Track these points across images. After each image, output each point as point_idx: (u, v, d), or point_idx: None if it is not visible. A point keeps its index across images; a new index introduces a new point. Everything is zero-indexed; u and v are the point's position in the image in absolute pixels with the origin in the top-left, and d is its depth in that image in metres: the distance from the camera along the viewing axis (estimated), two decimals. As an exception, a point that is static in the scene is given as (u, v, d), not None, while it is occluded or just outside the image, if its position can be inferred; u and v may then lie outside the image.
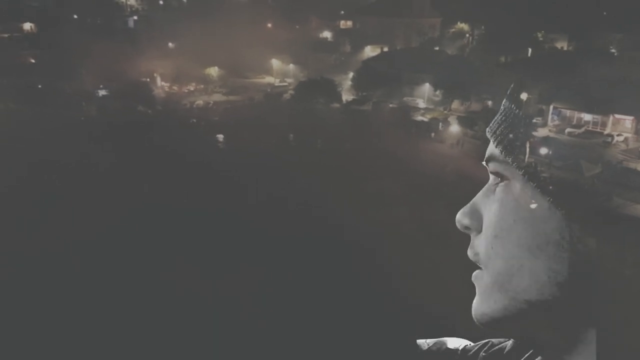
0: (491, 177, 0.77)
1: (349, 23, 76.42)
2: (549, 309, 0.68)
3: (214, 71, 56.70)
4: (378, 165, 34.87)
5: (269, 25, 69.61)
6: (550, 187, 0.68)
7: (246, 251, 23.43)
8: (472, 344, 0.98)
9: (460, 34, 68.10)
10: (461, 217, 0.79)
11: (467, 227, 0.78)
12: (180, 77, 55.92)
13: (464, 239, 0.82)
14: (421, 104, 51.64)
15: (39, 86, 48.72)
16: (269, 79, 61.29)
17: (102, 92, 50.10)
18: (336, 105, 51.13)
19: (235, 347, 16.47)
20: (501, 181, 0.74)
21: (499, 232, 0.72)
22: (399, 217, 28.43)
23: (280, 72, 61.01)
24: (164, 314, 18.37)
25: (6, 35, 60.43)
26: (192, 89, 56.71)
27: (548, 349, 0.74)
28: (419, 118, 46.72)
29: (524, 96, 0.72)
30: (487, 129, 0.77)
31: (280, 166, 34.19)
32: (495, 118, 0.76)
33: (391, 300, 18.52)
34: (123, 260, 22.95)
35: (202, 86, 56.63)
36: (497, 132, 0.74)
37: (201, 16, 62.86)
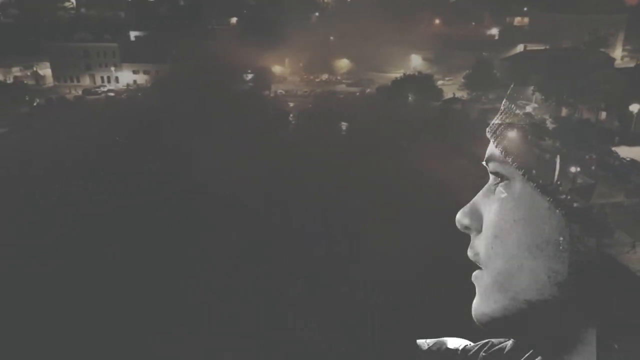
0: (491, 177, 0.77)
1: (525, 20, 69.97)
2: (549, 309, 0.69)
3: (343, 63, 60.41)
4: (451, 166, 33.92)
5: (422, 22, 69.47)
6: (550, 187, 0.68)
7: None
8: (472, 344, 0.98)
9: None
10: (461, 217, 0.79)
11: (467, 227, 0.78)
12: (314, 66, 61.45)
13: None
14: (528, 109, 45.84)
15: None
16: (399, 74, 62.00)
17: (249, 76, 58.37)
18: (433, 102, 49.51)
19: (236, 347, 16.20)
20: (501, 181, 0.74)
21: (498, 232, 0.72)
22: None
23: (408, 67, 61.01)
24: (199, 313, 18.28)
25: (217, 27, 75.55)
26: (324, 78, 61.70)
27: (548, 349, 0.73)
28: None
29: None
30: (487, 129, 0.76)
31: (332, 161, 33.83)
32: (495, 118, 0.76)
33: (391, 300, 18.86)
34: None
35: (327, 76, 61.07)
36: (497, 132, 0.74)
37: (360, 14, 67.17)
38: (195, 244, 23.79)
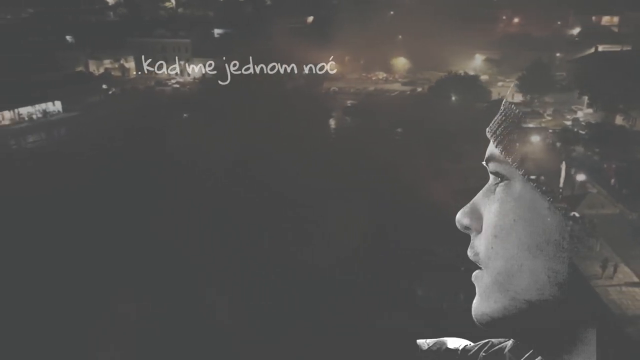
0: (491, 177, 0.77)
1: (615, 19, 63.80)
2: (549, 309, 0.69)
3: (401, 62, 60.22)
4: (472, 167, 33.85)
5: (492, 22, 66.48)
6: (550, 187, 0.68)
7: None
8: (472, 344, 0.98)
9: None
10: (461, 217, 0.79)
11: (467, 227, 0.79)
12: (372, 64, 61.95)
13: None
14: (579, 114, 42.74)
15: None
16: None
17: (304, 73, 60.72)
18: (479, 103, 47.84)
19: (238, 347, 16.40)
20: (501, 181, 0.74)
21: (498, 232, 0.72)
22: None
23: (469, 66, 59.05)
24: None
25: (293, 26, 78.88)
26: (381, 77, 62.02)
27: (548, 349, 0.74)
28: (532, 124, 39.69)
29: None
30: (487, 129, 0.77)
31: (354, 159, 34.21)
32: (495, 118, 0.76)
33: (391, 300, 19.53)
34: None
35: (384, 74, 61.17)
36: (497, 132, 0.74)
37: (434, 12, 66.30)
38: (258, 239, 24.42)
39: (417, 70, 60.75)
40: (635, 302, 19.67)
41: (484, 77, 56.87)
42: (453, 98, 47.60)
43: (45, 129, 46.25)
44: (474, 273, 0.78)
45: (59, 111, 48.90)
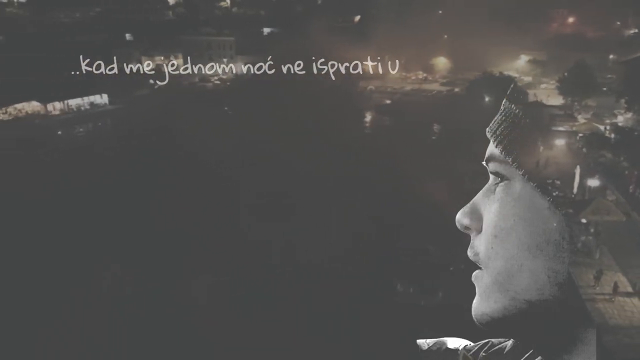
0: (491, 177, 0.78)
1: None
2: (549, 309, 0.69)
3: (441, 62, 59.35)
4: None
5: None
6: (550, 187, 0.69)
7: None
8: (472, 344, 0.98)
9: None
10: (461, 217, 0.79)
11: (467, 227, 0.79)
12: (413, 64, 61.42)
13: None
14: (620, 118, 40.53)
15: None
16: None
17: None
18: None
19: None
20: (501, 181, 0.75)
21: (498, 232, 0.72)
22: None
23: (512, 67, 57.25)
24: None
25: (339, 25, 79.64)
26: (420, 76, 61.39)
27: (548, 349, 0.73)
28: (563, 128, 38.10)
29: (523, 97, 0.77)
30: (487, 129, 0.77)
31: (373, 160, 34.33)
32: (496, 118, 0.76)
33: (391, 300, 19.67)
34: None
35: (423, 74, 60.44)
36: (497, 132, 0.74)
37: (484, 12, 64.89)
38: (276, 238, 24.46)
39: (458, 71, 59.63)
40: (622, 312, 18.77)
41: (527, 79, 55.01)
42: (486, 99, 46.41)
43: (92, 120, 49.44)
44: (474, 273, 0.78)
45: (105, 103, 52.08)
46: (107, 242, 23.80)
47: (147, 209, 27.56)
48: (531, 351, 0.80)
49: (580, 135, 35.81)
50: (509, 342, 0.88)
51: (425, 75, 61.31)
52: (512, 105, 0.75)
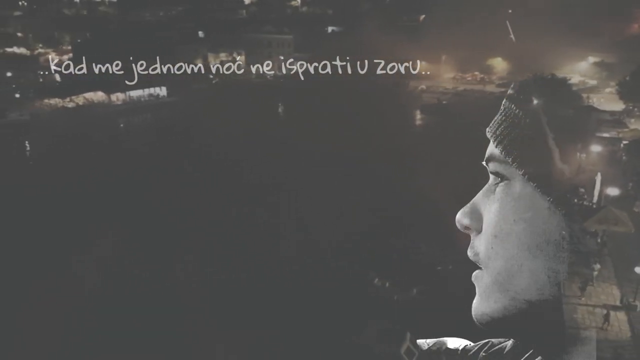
0: (491, 177, 0.77)
1: None
2: (549, 309, 0.69)
3: (498, 62, 57.25)
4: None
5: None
6: (550, 187, 0.68)
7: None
8: (472, 344, 0.97)
9: None
10: (461, 217, 0.79)
11: (467, 227, 0.78)
12: (470, 64, 59.72)
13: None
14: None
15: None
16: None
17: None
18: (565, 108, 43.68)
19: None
20: (501, 181, 0.74)
21: (498, 232, 0.72)
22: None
23: (578, 70, 53.84)
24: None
25: (404, 24, 78.85)
26: (477, 77, 59.56)
27: (548, 349, 0.73)
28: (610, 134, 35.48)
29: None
30: (487, 129, 0.77)
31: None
32: (496, 118, 0.77)
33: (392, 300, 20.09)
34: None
35: (479, 75, 58.53)
36: (497, 132, 0.74)
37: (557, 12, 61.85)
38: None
39: (517, 72, 56.93)
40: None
41: (591, 82, 51.58)
42: (534, 102, 44.00)
43: (151, 110, 53.06)
44: (474, 273, 0.78)
45: (163, 95, 55.59)
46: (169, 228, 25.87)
47: (194, 198, 29.75)
48: (531, 351, 0.79)
49: (625, 142, 33.24)
50: (509, 342, 0.87)
51: (482, 76, 59.24)
52: (512, 105, 0.75)
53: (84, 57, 48.62)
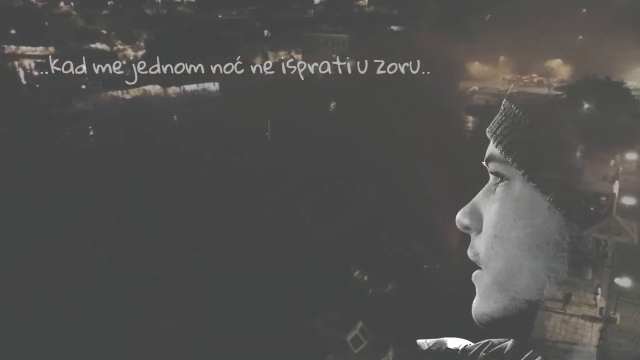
0: (491, 177, 0.79)
1: None
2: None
3: (557, 64, 54.26)
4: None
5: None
6: (550, 187, 0.69)
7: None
8: (472, 344, 0.98)
9: None
10: (461, 217, 0.81)
11: (467, 227, 0.80)
12: (528, 65, 57.13)
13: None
14: None
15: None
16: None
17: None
18: (622, 115, 40.61)
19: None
20: (501, 181, 0.76)
21: (499, 232, 0.74)
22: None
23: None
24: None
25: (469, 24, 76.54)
26: (534, 79, 56.91)
27: (548, 349, 0.75)
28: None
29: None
30: (487, 129, 0.79)
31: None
32: (496, 118, 0.79)
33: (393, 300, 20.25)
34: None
35: (537, 77, 55.76)
36: (497, 132, 0.76)
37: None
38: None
39: (577, 75, 53.49)
40: (574, 335, 16.58)
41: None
42: (585, 106, 41.33)
43: (201, 104, 55.70)
44: (474, 273, 0.80)
45: (216, 90, 58.05)
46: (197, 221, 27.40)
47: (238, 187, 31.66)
48: (531, 351, 0.81)
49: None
50: (509, 342, 0.89)
51: (540, 78, 56.30)
52: (512, 105, 0.78)
53: (156, 55, 52.12)
